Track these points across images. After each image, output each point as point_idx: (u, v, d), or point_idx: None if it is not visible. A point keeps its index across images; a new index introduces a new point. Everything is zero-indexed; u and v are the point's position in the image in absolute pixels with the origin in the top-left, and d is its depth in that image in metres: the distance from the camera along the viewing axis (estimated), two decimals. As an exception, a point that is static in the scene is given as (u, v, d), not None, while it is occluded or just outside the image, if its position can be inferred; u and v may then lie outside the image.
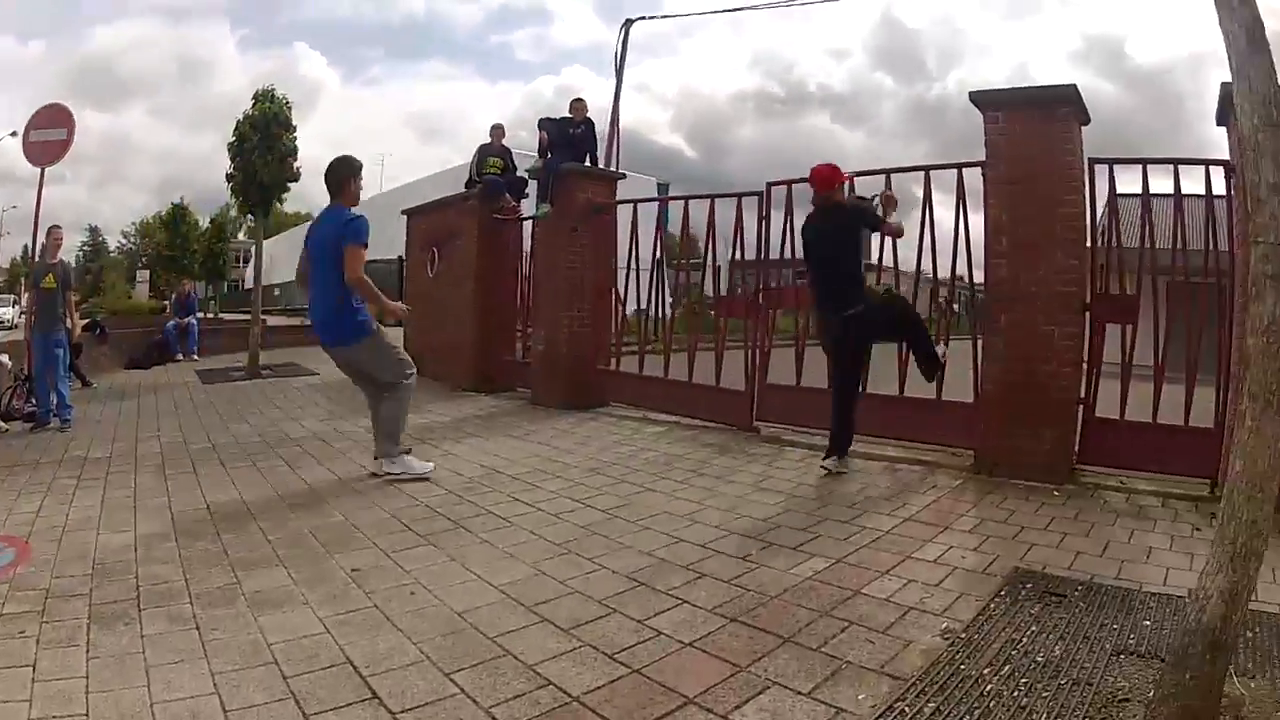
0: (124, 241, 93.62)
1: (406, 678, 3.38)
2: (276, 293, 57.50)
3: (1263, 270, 2.95)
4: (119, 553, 5.03)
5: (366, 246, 6.78)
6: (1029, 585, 4.51)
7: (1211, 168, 6.73)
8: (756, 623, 4.06)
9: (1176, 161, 6.91)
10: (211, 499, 6.38)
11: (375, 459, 7.28)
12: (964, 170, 7.59)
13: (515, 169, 13.41)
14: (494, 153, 13.31)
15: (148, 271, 50.69)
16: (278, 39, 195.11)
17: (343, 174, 6.97)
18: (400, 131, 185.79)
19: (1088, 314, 6.95)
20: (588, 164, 11.67)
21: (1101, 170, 7.01)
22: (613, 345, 11.08)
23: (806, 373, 8.83)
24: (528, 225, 12.50)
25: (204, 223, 39.82)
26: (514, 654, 3.64)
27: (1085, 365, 6.97)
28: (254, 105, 15.56)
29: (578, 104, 12.08)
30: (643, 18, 23.51)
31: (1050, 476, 6.72)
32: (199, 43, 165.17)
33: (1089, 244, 7.03)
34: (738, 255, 9.44)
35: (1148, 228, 6.93)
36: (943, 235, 7.88)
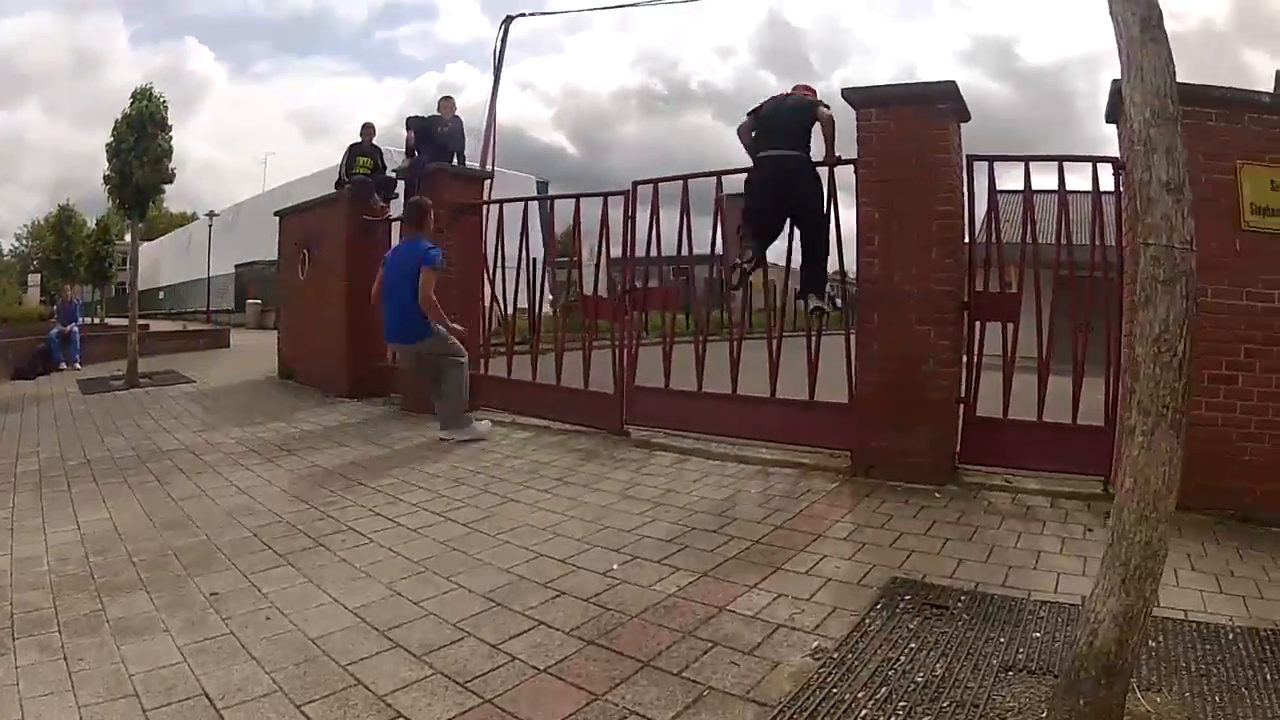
0: (16, 244, 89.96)
1: (259, 710, 3.18)
2: (161, 295, 55.94)
3: (1152, 274, 2.74)
4: (-4, 579, 4.73)
5: (440, 271, 8.60)
6: (908, 597, 4.20)
7: (1099, 164, 6.58)
8: (615, 645, 3.74)
9: (1061, 159, 6.76)
10: (84, 518, 6.02)
11: (441, 429, 8.71)
12: (836, 168, 7.33)
13: (385, 168, 12.87)
14: (364, 151, 12.80)
15: (39, 276, 48.83)
16: (168, 32, 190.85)
17: (424, 208, 8.92)
18: (286, 129, 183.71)
19: (966, 312, 6.76)
20: (455, 163, 11.15)
21: (981, 168, 6.84)
22: (480, 347, 10.62)
23: (676, 374, 8.48)
24: (398, 227, 11.87)
25: (92, 224, 38.27)
26: (365, 683, 3.40)
27: (965, 364, 6.78)
28: (131, 104, 14.68)
29: (445, 101, 11.67)
30: (523, 14, 22.66)
31: (931, 478, 6.50)
32: (92, 35, 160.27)
33: (967, 241, 6.85)
34: (610, 254, 9.16)
35: (1030, 225, 6.76)
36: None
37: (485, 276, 10.36)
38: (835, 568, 4.71)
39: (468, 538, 5.41)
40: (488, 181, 11.24)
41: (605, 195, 9.02)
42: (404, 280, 8.43)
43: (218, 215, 49.75)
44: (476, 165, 15.98)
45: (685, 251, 8.41)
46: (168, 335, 24.01)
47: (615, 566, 4.77)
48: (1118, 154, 6.35)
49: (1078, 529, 5.48)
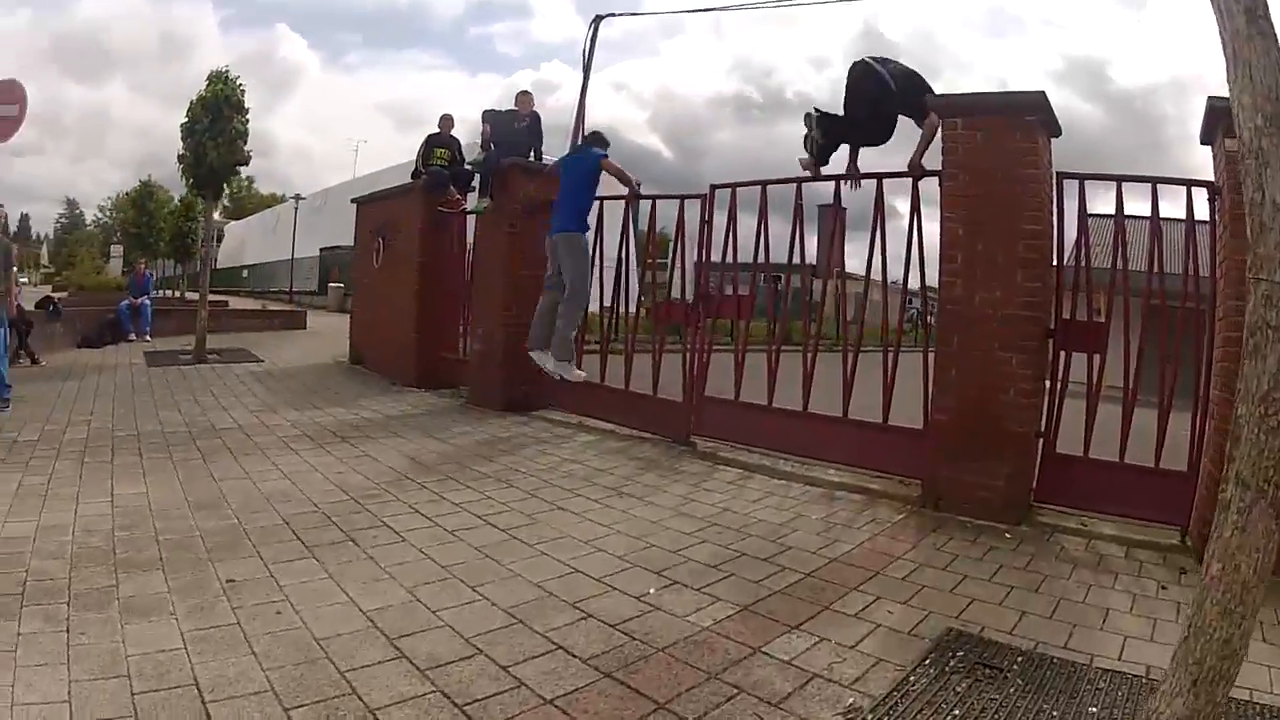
0: (100, 216, 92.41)
1: (245, 708, 3.07)
2: (245, 274, 56.80)
3: (1264, 318, 2.37)
4: (17, 544, 4.74)
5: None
6: (960, 653, 3.85)
7: (1194, 189, 6.13)
8: (633, 681, 3.47)
9: (1155, 180, 6.27)
10: (120, 491, 5.99)
11: (550, 360, 8.91)
12: (920, 181, 7.00)
13: (463, 160, 12.68)
14: (442, 143, 12.62)
15: (121, 247, 49.85)
16: (260, 19, 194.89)
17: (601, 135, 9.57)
18: (377, 119, 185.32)
19: (1051, 341, 6.36)
20: (531, 158, 10.92)
21: (1071, 188, 6.41)
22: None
23: (747, 385, 8.14)
24: (473, 220, 11.80)
25: (176, 201, 38.87)
26: (360, 693, 3.24)
27: (1047, 396, 6.38)
28: (207, 86, 14.83)
29: (523, 97, 11.37)
30: (613, 14, 22.58)
31: (1003, 515, 6.09)
32: (181, 20, 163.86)
33: (1055, 265, 6.42)
34: (686, 258, 8.88)
35: (1122, 249, 6.31)
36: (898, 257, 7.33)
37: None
38: (888, 612, 4.36)
39: (504, 545, 5.21)
40: None
41: (682, 198, 8.75)
42: (582, 177, 9.00)
43: (304, 199, 50.27)
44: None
45: (760, 258, 8.10)
46: (244, 313, 24.19)
47: (652, 591, 4.50)
48: (1212, 178, 5.99)
49: (1151, 585, 5.02)
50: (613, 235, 9.93)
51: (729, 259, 8.39)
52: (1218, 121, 5.71)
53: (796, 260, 7.82)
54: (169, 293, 36.30)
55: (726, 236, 8.31)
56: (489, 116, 11.06)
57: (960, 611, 4.41)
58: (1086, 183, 6.40)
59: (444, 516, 5.72)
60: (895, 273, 7.38)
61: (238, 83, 14.99)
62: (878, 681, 3.56)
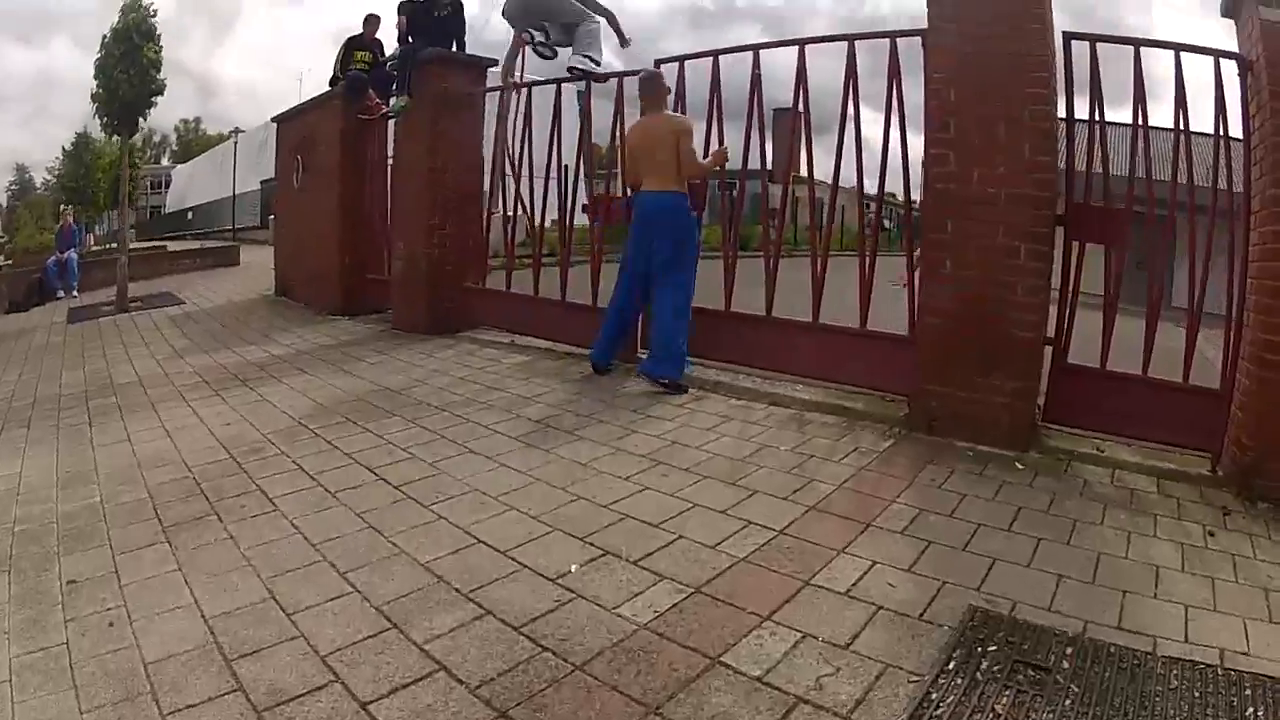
0: (49, 178, 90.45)
1: None
2: (190, 215, 55.23)
3: None
4: None
5: None
6: (993, 647, 2.76)
7: (1222, 60, 4.96)
8: (537, 721, 2.36)
9: (1178, 47, 5.01)
10: None
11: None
12: (899, 42, 5.68)
13: (386, 63, 11.22)
14: (362, 45, 11.16)
15: (71, 207, 48.46)
16: None
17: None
18: (327, 47, 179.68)
19: (1062, 230, 5.20)
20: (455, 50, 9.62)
21: (1080, 51, 5.20)
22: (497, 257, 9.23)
23: (701, 292, 6.77)
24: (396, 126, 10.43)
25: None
26: None
27: (1059, 295, 5.23)
28: (119, 18, 13.67)
29: (442, -21, 10.00)
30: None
31: (1010, 440, 5.02)
32: None
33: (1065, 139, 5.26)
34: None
35: (1144, 123, 5.15)
36: (870, 151, 6.10)
37: (492, 177, 8.92)
38: (888, 586, 3.25)
39: (394, 508, 4.12)
40: (492, 70, 9.57)
41: (620, 76, 7.41)
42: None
43: (244, 133, 48.34)
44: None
45: (717, 142, 6.82)
46: (176, 255, 22.94)
47: (573, 569, 3.38)
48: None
49: (1195, 530, 4.04)
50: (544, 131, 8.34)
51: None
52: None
53: (756, 164, 6.63)
54: (113, 245, 35.02)
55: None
56: (406, 8, 9.71)
57: (982, 580, 3.32)
58: (1098, 46, 5.19)
59: (330, 473, 4.63)
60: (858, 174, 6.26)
61: (150, 7, 13.79)
62: (887, 702, 2.47)
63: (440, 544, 3.63)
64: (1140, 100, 5.14)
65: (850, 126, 5.97)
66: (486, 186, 9.08)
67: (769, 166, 6.73)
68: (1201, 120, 5.03)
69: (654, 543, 3.62)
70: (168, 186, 63.74)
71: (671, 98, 6.78)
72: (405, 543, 3.65)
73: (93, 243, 35.01)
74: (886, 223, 5.87)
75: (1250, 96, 4.79)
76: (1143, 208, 5.25)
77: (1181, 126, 5.00)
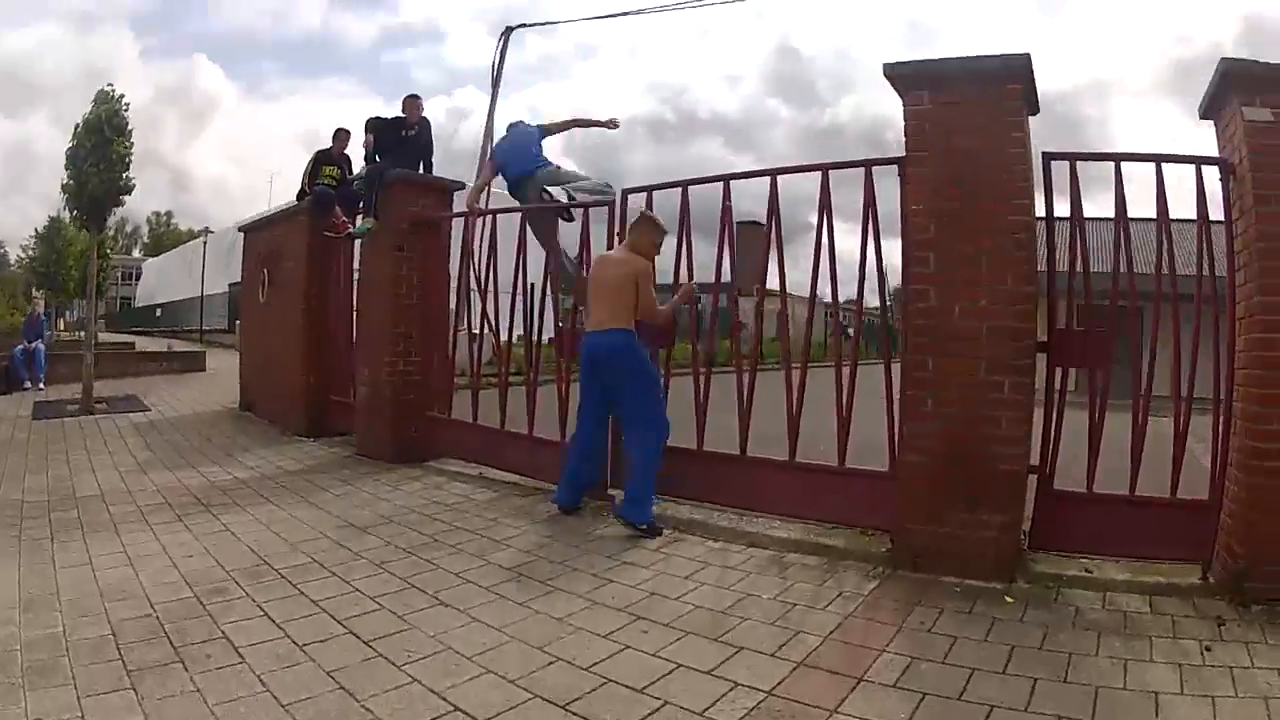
0: (23, 255, 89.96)
1: None
2: (159, 313, 54.92)
3: None
4: None
5: None
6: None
7: (1204, 167, 4.99)
8: None
9: (1159, 158, 5.07)
10: None
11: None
12: (874, 171, 5.72)
13: (354, 180, 11.12)
14: (330, 160, 11.01)
15: (42, 292, 48.08)
16: (179, 50, 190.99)
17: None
18: (294, 149, 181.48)
19: (1046, 356, 5.15)
20: (422, 171, 9.59)
21: (1059, 171, 5.25)
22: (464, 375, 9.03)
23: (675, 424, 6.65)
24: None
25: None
26: None
27: (1043, 419, 5.15)
28: (91, 108, 13.35)
29: (410, 101, 9.89)
30: (523, 25, 21.63)
31: (996, 572, 4.88)
32: (102, 52, 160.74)
33: (1046, 264, 5.21)
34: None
35: (1125, 239, 5.16)
36: (844, 263, 6.06)
37: (461, 300, 8.82)
38: (888, 757, 3.01)
39: (365, 666, 3.80)
40: (459, 194, 9.48)
41: (585, 207, 7.37)
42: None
43: (213, 233, 48.36)
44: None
45: (684, 274, 6.77)
46: (144, 355, 22.67)
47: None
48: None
49: (1192, 647, 4.00)
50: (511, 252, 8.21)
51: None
52: (1230, 89, 4.67)
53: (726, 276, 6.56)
54: (81, 333, 34.46)
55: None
56: (373, 125, 9.65)
57: (982, 734, 3.10)
58: (1077, 165, 5.23)
59: (297, 622, 4.31)
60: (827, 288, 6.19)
61: (122, 100, 13.52)
62: None
63: (415, 711, 3.35)
64: (1122, 215, 5.20)
65: (825, 252, 6.00)
66: (453, 306, 8.94)
67: (733, 281, 6.65)
68: (1184, 207, 5.10)
69: (638, 709, 3.37)
70: (138, 279, 63.46)
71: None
72: (379, 708, 3.36)
73: (63, 327, 34.54)
74: (850, 331, 5.73)
75: (1233, 200, 4.80)
76: (1125, 300, 5.24)
77: (1164, 239, 5.05)
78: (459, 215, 8.87)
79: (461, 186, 9.34)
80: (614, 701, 3.45)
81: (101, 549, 5.58)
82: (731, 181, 6.45)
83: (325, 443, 10.09)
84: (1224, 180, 4.89)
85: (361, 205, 9.49)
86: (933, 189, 5.12)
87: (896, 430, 5.41)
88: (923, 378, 5.14)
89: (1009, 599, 4.62)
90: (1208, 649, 3.93)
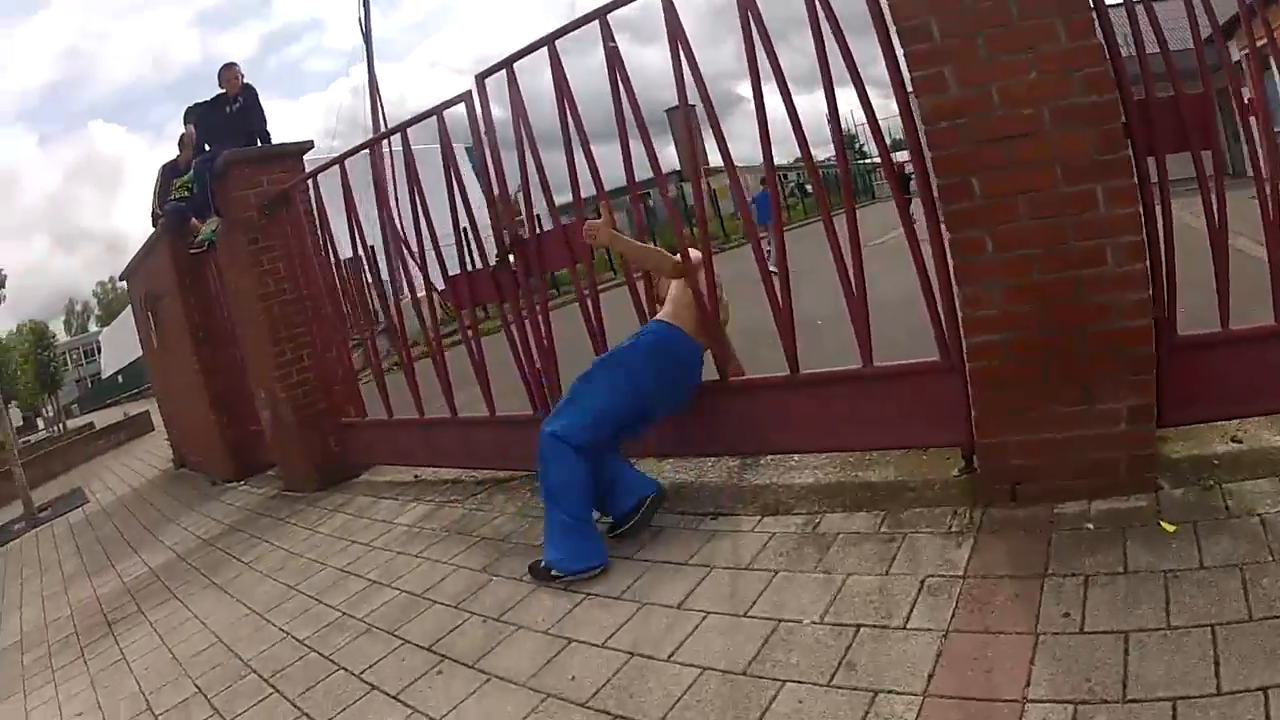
0: None
1: None
2: (120, 379, 53.55)
3: None
4: None
5: None
6: None
7: None
8: None
9: None
10: None
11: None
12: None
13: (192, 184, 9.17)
14: (180, 172, 8.94)
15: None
16: (73, 124, 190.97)
17: None
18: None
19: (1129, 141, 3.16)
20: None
21: None
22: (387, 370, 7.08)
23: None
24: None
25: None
26: None
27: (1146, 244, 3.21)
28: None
29: (226, 71, 8.02)
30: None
31: (1134, 480, 3.12)
32: (3, 155, 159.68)
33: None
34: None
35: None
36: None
37: (337, 279, 6.81)
38: None
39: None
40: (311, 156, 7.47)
41: (438, 112, 5.18)
42: None
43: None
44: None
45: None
46: (93, 436, 21.46)
47: None
48: None
49: None
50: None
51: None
52: None
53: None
54: (57, 429, 33.03)
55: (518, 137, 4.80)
56: (192, 113, 8.02)
57: None
58: None
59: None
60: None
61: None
62: None
63: None
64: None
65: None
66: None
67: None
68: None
69: None
70: (100, 353, 62.35)
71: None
72: None
73: (41, 425, 33.53)
74: (807, 187, 3.88)
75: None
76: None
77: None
78: (317, 173, 6.85)
79: (310, 146, 7.35)
80: None
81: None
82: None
83: (257, 482, 8.51)
84: None
85: (200, 208, 7.64)
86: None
87: (942, 297, 3.55)
88: (969, 210, 3.18)
89: (1165, 524, 2.85)
90: None
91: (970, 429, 3.50)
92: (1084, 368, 3.12)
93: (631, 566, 3.70)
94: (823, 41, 3.63)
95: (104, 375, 60.38)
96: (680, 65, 4.13)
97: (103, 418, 27.58)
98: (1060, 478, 3.22)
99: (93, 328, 68.98)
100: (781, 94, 3.90)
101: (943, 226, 3.24)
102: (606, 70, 4.33)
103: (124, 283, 12.65)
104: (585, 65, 4.85)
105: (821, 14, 3.55)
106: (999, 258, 3.13)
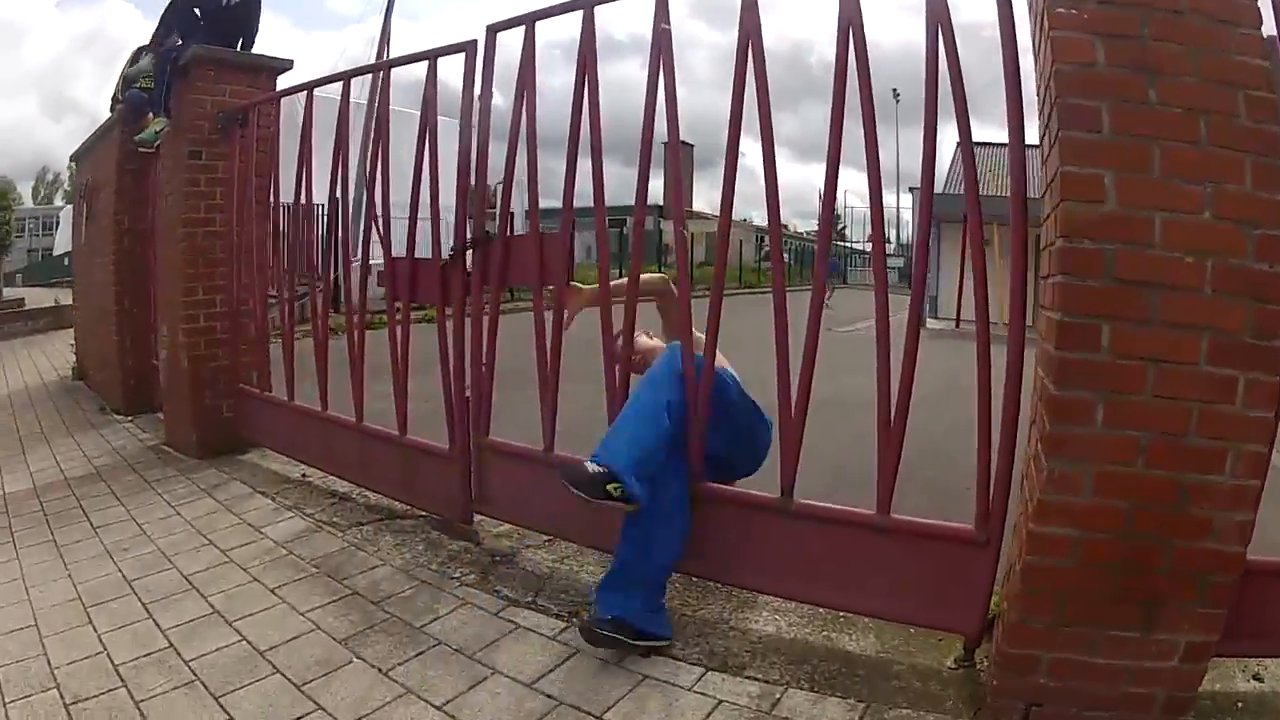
0: None
1: None
2: (66, 261, 51.83)
3: None
4: None
5: None
6: None
7: None
8: None
9: None
10: None
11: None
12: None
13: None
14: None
15: None
16: None
17: None
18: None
19: None
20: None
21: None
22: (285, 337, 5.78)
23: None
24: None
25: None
26: None
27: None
28: None
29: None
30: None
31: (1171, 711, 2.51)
32: (18, 4, 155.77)
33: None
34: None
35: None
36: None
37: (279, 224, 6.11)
38: None
39: None
40: (284, 76, 6.44)
41: (431, 57, 4.39)
42: None
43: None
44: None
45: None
46: (21, 314, 19.96)
47: None
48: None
49: None
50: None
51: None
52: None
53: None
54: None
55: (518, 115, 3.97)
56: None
57: None
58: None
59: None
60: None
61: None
62: None
63: None
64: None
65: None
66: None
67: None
68: None
69: None
70: (56, 227, 60.79)
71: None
72: None
73: None
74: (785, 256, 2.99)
75: None
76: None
77: None
78: (284, 94, 5.94)
79: (289, 66, 6.37)
80: None
81: None
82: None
83: (145, 422, 7.42)
84: None
85: (151, 102, 6.56)
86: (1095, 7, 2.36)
87: (998, 461, 2.79)
88: (1090, 365, 2.37)
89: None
90: None
91: (982, 621, 2.79)
92: (1155, 589, 2.41)
93: (530, 700, 2.83)
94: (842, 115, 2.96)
95: (55, 253, 58.31)
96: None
97: (37, 297, 25.80)
98: (1085, 706, 2.52)
99: (59, 202, 66.72)
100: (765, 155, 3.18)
101: (1045, 380, 2.47)
102: (650, 59, 3.54)
103: (73, 164, 11.52)
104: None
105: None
106: (1107, 434, 2.35)
